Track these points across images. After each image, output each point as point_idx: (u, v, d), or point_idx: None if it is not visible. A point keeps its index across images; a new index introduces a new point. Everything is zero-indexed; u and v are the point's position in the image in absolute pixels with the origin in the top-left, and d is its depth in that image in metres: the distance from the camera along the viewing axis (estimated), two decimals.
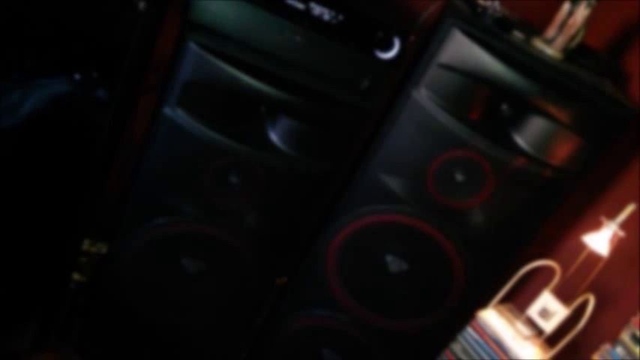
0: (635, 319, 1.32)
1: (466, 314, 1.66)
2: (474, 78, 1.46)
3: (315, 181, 1.64)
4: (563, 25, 1.55)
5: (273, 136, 1.56)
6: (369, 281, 1.78)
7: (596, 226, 1.40)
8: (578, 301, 1.42)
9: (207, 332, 1.92)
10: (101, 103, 1.60)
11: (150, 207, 1.63)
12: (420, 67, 1.50)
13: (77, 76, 1.60)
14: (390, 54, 1.42)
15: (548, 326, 1.43)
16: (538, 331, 1.48)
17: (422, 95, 1.51)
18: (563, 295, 1.44)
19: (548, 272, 1.46)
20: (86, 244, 2.08)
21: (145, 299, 1.81)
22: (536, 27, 1.62)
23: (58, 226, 1.75)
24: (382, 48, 1.42)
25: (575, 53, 1.58)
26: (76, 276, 2.01)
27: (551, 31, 1.57)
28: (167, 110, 1.45)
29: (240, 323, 1.96)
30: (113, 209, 1.81)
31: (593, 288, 1.42)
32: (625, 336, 1.31)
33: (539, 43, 1.56)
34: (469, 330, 1.48)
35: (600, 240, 1.35)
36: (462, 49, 1.44)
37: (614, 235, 1.34)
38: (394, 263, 1.75)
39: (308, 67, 1.45)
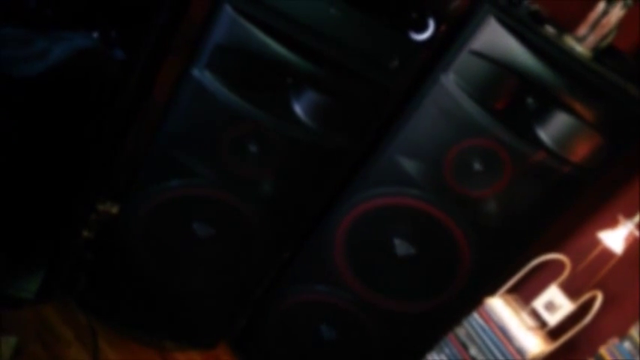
0: None
1: (469, 302, 1.68)
2: (504, 68, 1.46)
3: (333, 157, 1.64)
4: (596, 24, 1.55)
5: (297, 108, 1.56)
6: (375, 262, 1.79)
7: (610, 224, 1.42)
8: (585, 297, 1.44)
9: (210, 297, 1.93)
10: (124, 62, 1.60)
11: (166, 168, 1.63)
12: (450, 52, 1.50)
13: (96, 34, 1.59)
14: (424, 36, 1.42)
15: (553, 319, 1.45)
16: (542, 324, 1.50)
17: (450, 80, 1.51)
18: (571, 290, 1.46)
19: (557, 266, 1.48)
20: (104, 205, 2.09)
21: (152, 260, 1.82)
22: (566, 25, 1.61)
23: (72, 180, 1.75)
24: (416, 29, 1.42)
25: (604, 53, 1.58)
26: (85, 233, 2.01)
27: (582, 30, 1.57)
28: (195, 72, 1.45)
29: (242, 291, 1.97)
30: (128, 170, 1.80)
31: (601, 285, 1.44)
32: (634, 331, 1.33)
33: (569, 40, 1.56)
34: (475, 316, 1.50)
35: (615, 238, 1.37)
36: (495, 37, 1.44)
37: (630, 234, 1.36)
38: (402, 246, 1.76)
39: (339, 41, 1.45)
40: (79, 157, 1.71)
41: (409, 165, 1.63)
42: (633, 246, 1.40)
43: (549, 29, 1.55)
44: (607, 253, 1.39)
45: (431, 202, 1.64)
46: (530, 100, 1.53)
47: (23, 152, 1.62)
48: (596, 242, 1.42)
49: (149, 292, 1.89)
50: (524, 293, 1.60)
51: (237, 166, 1.63)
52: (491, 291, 1.58)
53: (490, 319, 1.46)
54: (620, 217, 1.40)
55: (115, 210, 1.99)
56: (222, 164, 1.62)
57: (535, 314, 1.50)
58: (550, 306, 1.45)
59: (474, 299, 1.64)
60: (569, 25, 1.59)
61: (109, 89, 1.62)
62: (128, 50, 1.61)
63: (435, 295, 1.78)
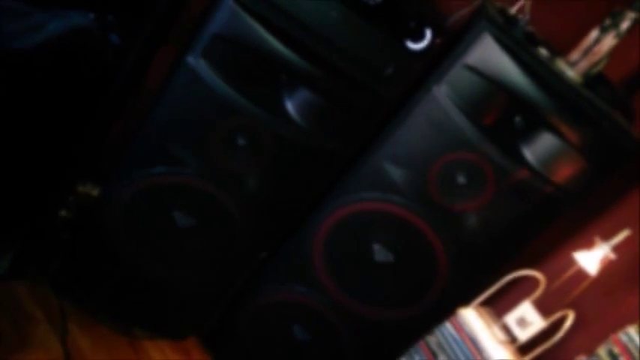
0: (614, 337, 1.36)
1: (442, 313, 1.69)
2: (495, 84, 1.48)
3: (321, 158, 1.65)
4: (588, 50, 1.58)
5: (289, 106, 1.56)
6: (353, 267, 1.80)
7: (586, 245, 1.44)
8: (557, 315, 1.46)
9: (185, 288, 1.92)
10: (119, 46, 1.60)
11: (153, 154, 1.63)
12: (444, 65, 1.52)
13: (91, 16, 1.59)
14: (420, 45, 1.44)
15: (523, 335, 1.47)
16: (512, 338, 1.51)
17: (441, 92, 1.53)
18: (544, 307, 1.48)
19: (532, 283, 1.50)
20: (83, 187, 2.07)
21: (129, 245, 1.81)
22: (559, 49, 1.65)
23: (54, 158, 1.74)
24: (413, 38, 1.43)
25: (593, 80, 1.61)
26: (63, 212, 2.00)
27: (575, 55, 1.60)
28: (190, 59, 1.45)
29: (218, 286, 1.96)
30: (114, 154, 1.79)
31: (573, 305, 1.46)
32: (602, 351, 1.35)
33: (561, 64, 1.59)
34: (447, 325, 1.51)
35: (591, 259, 1.39)
36: (489, 54, 1.47)
37: (606, 256, 1.38)
38: (380, 253, 1.77)
39: (337, 44, 1.46)
40: (64, 135, 1.69)
41: (395, 172, 1.64)
42: (608, 268, 1.42)
43: (543, 51, 1.58)
44: (582, 274, 1.41)
45: (413, 211, 1.66)
46: (518, 119, 1.56)
47: (7, 125, 1.60)
48: (572, 262, 1.44)
49: (124, 278, 1.88)
50: (498, 307, 1.62)
51: (224, 159, 1.63)
52: (465, 302, 1.60)
53: (462, 330, 1.47)
54: (597, 239, 1.42)
55: (95, 192, 1.97)
56: (209, 155, 1.62)
57: (506, 329, 1.52)
58: (522, 322, 1.47)
59: (447, 311, 1.65)
60: (562, 49, 1.62)
61: (102, 71, 1.62)
62: (124, 35, 1.61)
63: (410, 305, 1.79)
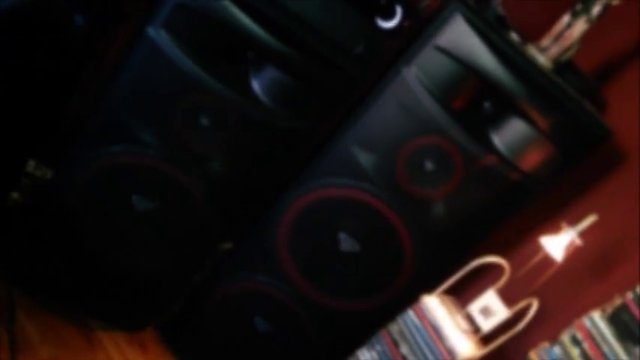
0: (578, 322, 1.34)
1: (407, 302, 1.65)
2: (466, 67, 1.46)
3: (288, 140, 1.60)
4: (559, 36, 1.57)
5: (255, 84, 1.51)
6: (318, 256, 1.75)
7: (553, 231, 1.42)
8: (521, 304, 1.43)
9: (142, 277, 1.84)
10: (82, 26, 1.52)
11: (110, 132, 1.56)
12: (414, 46, 1.48)
13: None
14: (390, 24, 1.40)
15: (486, 325, 1.44)
16: (476, 328, 1.48)
17: (411, 74, 1.49)
18: (508, 296, 1.45)
19: (496, 270, 1.47)
20: (31, 166, 1.97)
21: (84, 230, 1.72)
22: (530, 34, 1.63)
23: (7, 136, 1.64)
24: (383, 16, 1.40)
25: (564, 68, 1.60)
26: (14, 195, 1.89)
27: (545, 41, 1.59)
28: (150, 30, 1.39)
29: (178, 275, 1.89)
30: (70, 134, 1.71)
31: (539, 293, 1.44)
32: (565, 337, 1.33)
33: (532, 49, 1.57)
34: (409, 313, 1.47)
35: (557, 244, 1.37)
36: (460, 35, 1.44)
37: (572, 242, 1.36)
38: (346, 242, 1.72)
39: (305, 20, 1.41)
40: (17, 111, 1.60)
41: (362, 157, 1.60)
42: (574, 255, 1.40)
43: (514, 36, 1.56)
44: (547, 261, 1.39)
45: (380, 198, 1.62)
46: (487, 104, 1.53)
47: None
48: (537, 249, 1.42)
49: (77, 265, 1.79)
50: (461, 295, 1.59)
51: (186, 139, 1.57)
52: (429, 289, 1.56)
53: (424, 317, 1.43)
54: (563, 225, 1.40)
55: (50, 175, 1.88)
56: (170, 135, 1.56)
57: (470, 318, 1.49)
58: (486, 311, 1.44)
59: (411, 300, 1.62)
60: (533, 35, 1.60)
61: (62, 45, 1.53)
62: (85, 10, 1.53)
63: (374, 295, 1.75)
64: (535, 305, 1.41)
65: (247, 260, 1.82)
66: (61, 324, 1.82)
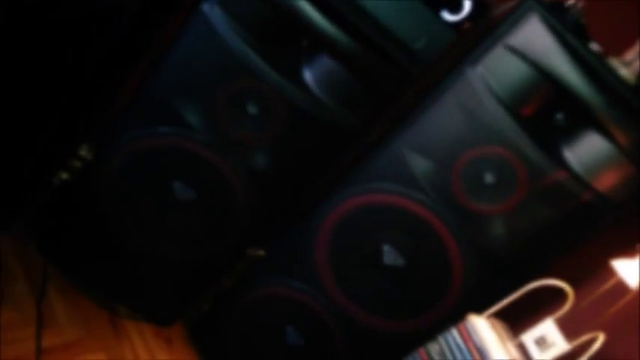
0: None
1: (453, 322, 1.50)
2: (539, 71, 1.32)
3: (336, 137, 1.51)
4: None
5: (307, 74, 1.43)
6: (359, 267, 1.62)
7: (627, 255, 1.24)
8: (584, 337, 1.25)
9: (176, 269, 1.78)
10: None
11: (155, 112, 1.51)
12: (482, 45, 1.36)
13: None
14: (457, 17, 1.30)
15: (541, 357, 1.26)
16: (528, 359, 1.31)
17: (477, 75, 1.37)
18: (569, 327, 1.27)
19: (558, 297, 1.30)
20: (84, 149, 1.97)
21: (121, 215, 1.68)
22: (610, 50, 1.47)
23: (60, 116, 1.64)
24: (450, 8, 1.29)
25: None
26: (63, 175, 1.88)
27: (630, 55, 1.44)
28: (205, 6, 1.34)
29: (212, 271, 1.82)
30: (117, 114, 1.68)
31: (606, 326, 1.25)
32: None
33: (614, 62, 1.42)
34: (453, 332, 1.32)
35: (632, 269, 1.19)
36: (535, 36, 1.31)
37: None
38: (390, 255, 1.60)
39: (367, 11, 1.32)
40: (68, 92, 1.59)
41: (415, 163, 1.48)
42: None
43: (594, 46, 1.41)
44: (619, 289, 1.21)
45: (431, 209, 1.49)
46: (560, 114, 1.39)
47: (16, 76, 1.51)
48: (608, 274, 1.24)
49: (112, 249, 1.74)
50: (514, 321, 1.42)
51: (231, 126, 1.50)
52: (477, 309, 1.40)
53: (469, 339, 1.28)
54: None
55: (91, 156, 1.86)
56: (217, 121, 1.50)
57: (522, 348, 1.31)
58: (542, 342, 1.27)
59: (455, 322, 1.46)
60: (614, 49, 1.45)
61: (114, 21, 1.51)
62: None
63: (416, 317, 1.60)
64: (601, 340, 1.21)
65: (282, 264, 1.72)
66: (91, 307, 1.78)
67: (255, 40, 1.37)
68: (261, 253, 1.86)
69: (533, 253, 1.44)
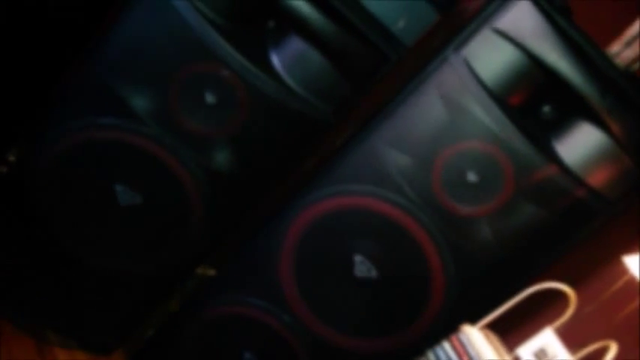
0: None
1: (431, 344, 1.35)
2: (529, 56, 1.22)
3: (307, 129, 1.35)
4: (630, 42, 1.35)
5: (275, 58, 1.28)
6: (328, 281, 1.45)
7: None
8: (592, 347, 1.11)
9: (116, 287, 1.55)
10: None
11: (94, 100, 1.31)
12: (467, 29, 1.25)
13: None
14: None
15: None
16: None
17: (461, 61, 1.25)
18: (574, 334, 1.14)
19: (557, 303, 1.16)
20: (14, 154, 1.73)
21: (53, 222, 1.46)
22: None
23: None
24: None
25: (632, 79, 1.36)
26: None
27: (615, 46, 1.37)
28: None
29: (158, 289, 1.60)
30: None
31: (617, 333, 1.12)
32: None
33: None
34: (445, 346, 1.16)
35: None
36: (526, 18, 1.21)
37: None
38: (362, 266, 1.44)
39: None
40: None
41: (391, 160, 1.34)
42: None
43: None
44: (630, 287, 1.08)
45: (408, 211, 1.34)
46: (547, 107, 1.29)
47: None
48: (617, 272, 1.11)
49: (40, 265, 1.50)
50: (508, 334, 1.27)
51: (185, 118, 1.32)
52: (460, 322, 1.25)
53: (465, 354, 1.12)
54: None
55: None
56: (167, 110, 1.31)
57: None
58: (541, 355, 1.12)
59: (438, 336, 1.31)
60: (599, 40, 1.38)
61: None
62: None
63: (393, 334, 1.44)
64: (614, 350, 1.07)
65: (238, 280, 1.53)
66: (13, 333, 1.53)
67: (217, 16, 1.21)
68: (212, 272, 1.68)
69: (522, 257, 1.31)
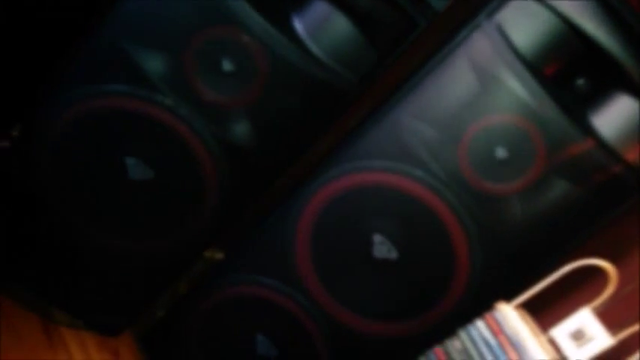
0: None
1: (459, 321, 1.30)
2: (565, 22, 1.16)
3: (330, 100, 1.28)
4: None
5: (298, 22, 1.21)
6: (346, 261, 1.40)
7: None
8: (633, 329, 1.05)
9: (125, 266, 1.49)
10: None
11: (105, 66, 1.25)
12: None
13: None
14: None
15: (579, 355, 1.05)
16: (562, 358, 1.10)
17: (493, 27, 1.19)
18: (613, 316, 1.08)
19: (595, 282, 1.11)
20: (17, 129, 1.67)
21: (60, 197, 1.40)
22: None
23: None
24: None
25: None
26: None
27: None
28: None
29: (169, 268, 1.54)
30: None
31: None
32: None
33: None
34: (479, 324, 1.09)
35: None
36: None
37: None
38: (382, 247, 1.38)
39: None
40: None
41: (416, 135, 1.28)
42: None
43: None
44: None
45: (431, 188, 1.28)
46: (581, 80, 1.23)
47: None
48: None
49: (47, 243, 1.45)
50: (543, 312, 1.21)
51: (201, 86, 1.26)
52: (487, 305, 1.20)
53: (501, 332, 1.06)
54: None
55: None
56: (182, 78, 1.25)
57: (554, 345, 1.11)
58: (578, 336, 1.06)
59: (465, 320, 1.26)
60: None
61: None
62: None
63: (414, 317, 1.38)
64: None
65: (252, 260, 1.47)
66: (19, 312, 1.47)
67: None
68: (220, 255, 1.63)
69: (553, 236, 1.25)
